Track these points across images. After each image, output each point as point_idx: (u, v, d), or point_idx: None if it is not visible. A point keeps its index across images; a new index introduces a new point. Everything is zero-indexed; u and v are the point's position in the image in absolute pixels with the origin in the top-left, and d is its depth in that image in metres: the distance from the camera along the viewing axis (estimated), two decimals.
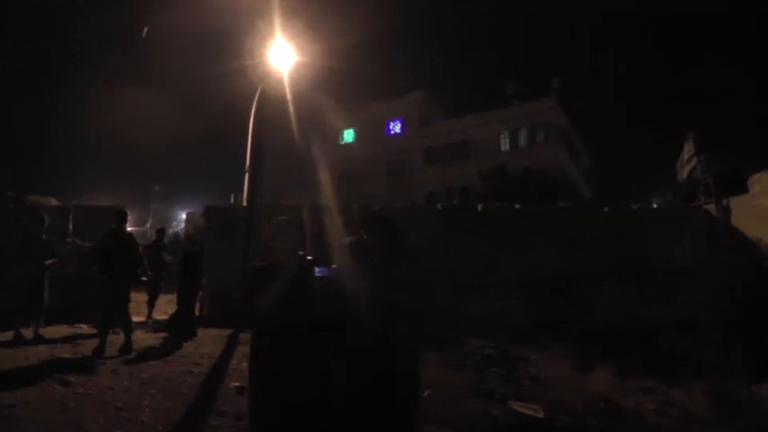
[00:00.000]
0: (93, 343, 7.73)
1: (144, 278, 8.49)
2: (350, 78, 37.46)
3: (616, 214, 12.14)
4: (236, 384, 5.84)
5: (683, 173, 26.14)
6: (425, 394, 5.42)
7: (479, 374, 6.47)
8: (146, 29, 13.15)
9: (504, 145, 30.90)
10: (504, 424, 4.95)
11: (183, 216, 35.31)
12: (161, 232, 12.09)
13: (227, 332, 8.69)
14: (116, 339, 7.75)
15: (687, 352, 7.21)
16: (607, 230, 10.90)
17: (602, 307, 9.23)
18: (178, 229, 28.61)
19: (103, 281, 7.57)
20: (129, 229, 9.56)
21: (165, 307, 10.97)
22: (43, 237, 8.19)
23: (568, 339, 7.63)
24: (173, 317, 9.30)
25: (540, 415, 5.07)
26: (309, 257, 2.95)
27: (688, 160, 24.81)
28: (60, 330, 8.88)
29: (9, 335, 7.83)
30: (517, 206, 11.99)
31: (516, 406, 5.28)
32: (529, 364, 6.91)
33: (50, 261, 8.12)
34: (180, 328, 8.84)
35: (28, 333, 7.89)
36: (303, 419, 1.92)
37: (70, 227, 11.28)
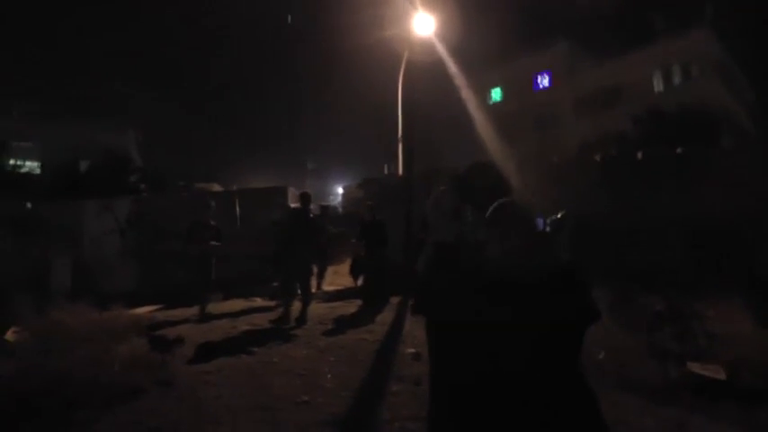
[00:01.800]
0: (269, 315, 8.13)
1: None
2: (494, 34, 36.06)
3: None
4: (412, 350, 5.72)
5: None
6: (600, 357, 5.18)
7: (652, 333, 5.89)
8: (289, 16, 13.45)
9: (658, 85, 28.30)
10: (685, 386, 4.56)
11: (340, 190, 36.68)
12: (325, 209, 12.40)
13: (395, 299, 8.69)
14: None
15: None
16: None
17: None
18: (335, 202, 29.73)
19: (281, 256, 8.06)
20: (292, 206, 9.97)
21: (332, 278, 11.30)
22: (210, 221, 8.70)
23: (744, 290, 6.69)
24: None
25: (722, 376, 4.60)
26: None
27: None
28: (237, 304, 9.44)
29: (195, 311, 8.43)
30: (678, 150, 10.83)
31: (695, 367, 4.83)
32: (703, 319, 6.15)
33: (215, 243, 8.57)
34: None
35: (199, 311, 8.38)
36: (481, 391, 1.66)
37: (237, 209, 11.95)
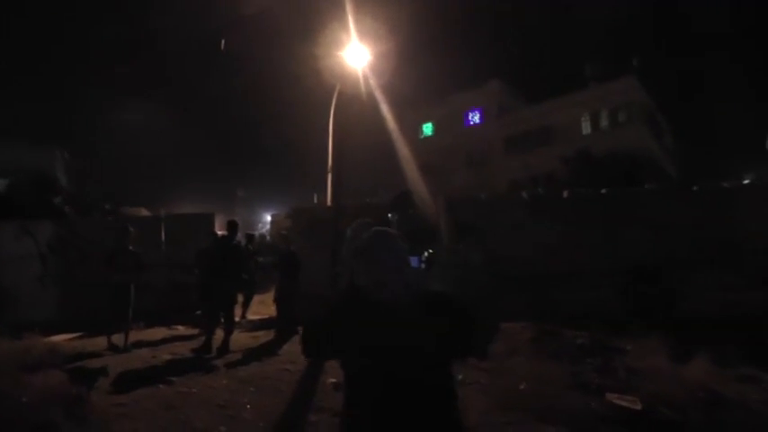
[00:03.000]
0: (191, 344, 8.06)
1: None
2: (427, 72, 37.39)
3: (706, 193, 11.30)
4: (333, 381, 5.81)
5: None
6: (522, 387, 5.34)
7: (574, 366, 6.23)
8: (223, 41, 13.44)
9: (586, 128, 29.79)
10: (603, 417, 4.79)
11: (268, 218, 36.36)
12: (250, 237, 12.35)
13: None
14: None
15: None
16: (698, 211, 10.06)
17: (697, 293, 8.71)
18: (263, 230, 29.45)
19: (206, 285, 8.01)
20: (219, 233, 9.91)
21: (257, 307, 11.24)
22: (129, 248, 8.40)
23: (663, 328, 7.18)
24: (277, 317, 9.53)
25: (638, 407, 4.90)
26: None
27: None
28: (159, 333, 9.26)
29: (115, 339, 8.07)
30: (603, 190, 11.44)
31: (614, 398, 5.12)
32: (624, 354, 6.59)
33: (134, 271, 8.29)
34: (282, 328, 9.01)
35: (118, 340, 8.05)
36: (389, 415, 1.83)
37: (162, 236, 11.74)
